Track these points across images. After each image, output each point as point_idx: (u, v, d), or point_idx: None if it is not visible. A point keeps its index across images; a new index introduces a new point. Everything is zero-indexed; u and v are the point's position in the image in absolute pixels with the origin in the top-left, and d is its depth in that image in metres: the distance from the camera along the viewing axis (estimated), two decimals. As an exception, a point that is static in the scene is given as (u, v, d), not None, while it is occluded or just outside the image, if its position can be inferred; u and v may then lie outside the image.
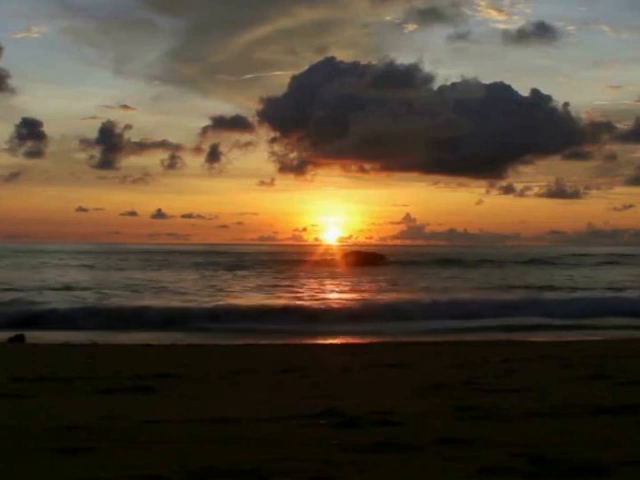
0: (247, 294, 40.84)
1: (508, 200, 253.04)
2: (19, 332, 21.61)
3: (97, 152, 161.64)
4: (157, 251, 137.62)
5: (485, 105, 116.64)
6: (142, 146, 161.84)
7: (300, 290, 45.20)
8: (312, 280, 55.58)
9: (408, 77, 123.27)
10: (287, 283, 51.49)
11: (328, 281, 54.53)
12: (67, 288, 43.27)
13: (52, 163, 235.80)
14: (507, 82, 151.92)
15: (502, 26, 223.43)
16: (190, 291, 42.28)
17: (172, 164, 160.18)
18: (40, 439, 6.63)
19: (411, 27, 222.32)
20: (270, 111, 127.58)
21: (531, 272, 70.77)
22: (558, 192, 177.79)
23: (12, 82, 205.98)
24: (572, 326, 26.73)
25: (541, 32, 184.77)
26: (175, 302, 33.62)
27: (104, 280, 52.31)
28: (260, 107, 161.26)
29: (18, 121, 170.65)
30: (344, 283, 52.20)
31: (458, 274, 66.42)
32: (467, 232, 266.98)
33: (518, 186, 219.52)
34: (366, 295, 40.08)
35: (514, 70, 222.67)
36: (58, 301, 33.00)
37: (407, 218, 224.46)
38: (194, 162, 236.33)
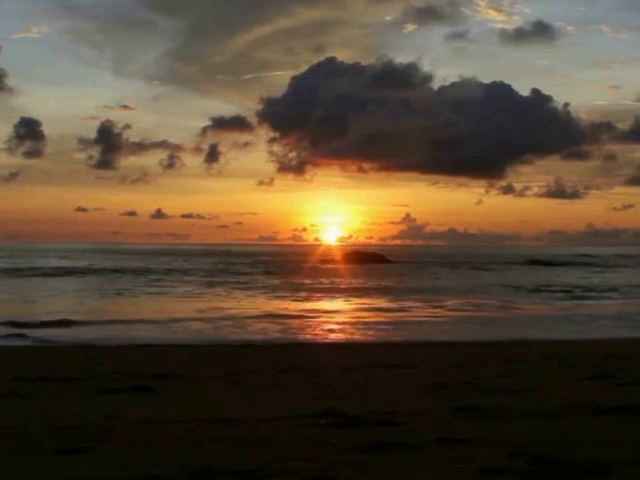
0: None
1: (508, 200, 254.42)
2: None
3: (97, 152, 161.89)
4: (159, 251, 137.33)
5: (485, 105, 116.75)
6: (142, 146, 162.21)
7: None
8: (297, 286, 47.98)
9: (407, 77, 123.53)
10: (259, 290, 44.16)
11: (316, 287, 47.36)
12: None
13: (51, 163, 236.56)
14: (507, 82, 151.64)
15: (501, 26, 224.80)
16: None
17: (172, 164, 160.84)
18: (40, 439, 6.63)
19: (410, 27, 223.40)
20: (269, 111, 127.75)
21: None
22: (558, 192, 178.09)
23: (11, 82, 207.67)
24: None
25: (540, 32, 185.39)
26: None
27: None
28: (260, 107, 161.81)
29: (17, 121, 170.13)
30: (332, 292, 43.85)
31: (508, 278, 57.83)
32: (467, 232, 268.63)
33: (518, 186, 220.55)
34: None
35: (513, 70, 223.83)
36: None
37: (407, 218, 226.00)
38: (194, 162, 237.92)
